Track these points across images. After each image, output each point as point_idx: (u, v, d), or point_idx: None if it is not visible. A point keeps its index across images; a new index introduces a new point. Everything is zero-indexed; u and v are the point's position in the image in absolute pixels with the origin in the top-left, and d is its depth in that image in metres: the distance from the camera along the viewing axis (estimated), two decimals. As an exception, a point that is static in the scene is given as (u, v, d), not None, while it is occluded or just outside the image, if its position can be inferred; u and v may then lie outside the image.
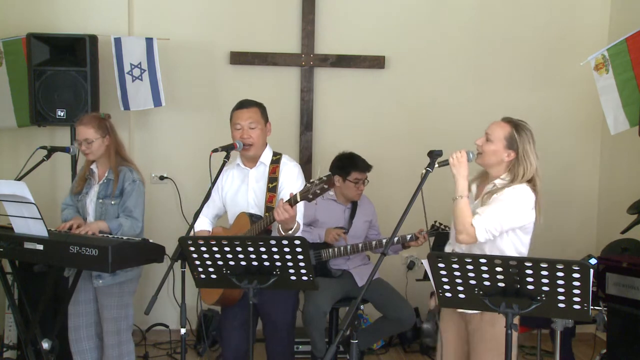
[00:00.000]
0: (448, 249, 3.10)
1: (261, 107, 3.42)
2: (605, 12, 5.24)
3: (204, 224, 3.51)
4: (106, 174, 3.57)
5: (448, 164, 2.85)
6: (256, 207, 3.38)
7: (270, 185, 3.35)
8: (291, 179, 3.36)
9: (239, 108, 3.39)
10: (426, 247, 4.34)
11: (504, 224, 2.80)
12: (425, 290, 4.98)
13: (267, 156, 3.42)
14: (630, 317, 3.65)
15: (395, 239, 4.06)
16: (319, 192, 2.93)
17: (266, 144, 3.45)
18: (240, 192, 3.43)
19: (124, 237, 3.38)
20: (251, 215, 3.31)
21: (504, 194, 2.82)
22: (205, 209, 3.42)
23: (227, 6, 5.11)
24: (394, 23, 5.18)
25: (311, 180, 2.99)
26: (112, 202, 3.52)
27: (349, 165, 4.25)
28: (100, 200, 3.53)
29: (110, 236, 3.38)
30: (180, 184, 5.02)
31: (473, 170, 2.99)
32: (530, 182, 2.87)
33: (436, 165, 2.81)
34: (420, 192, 2.73)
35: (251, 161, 3.42)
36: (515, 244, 2.88)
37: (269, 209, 3.32)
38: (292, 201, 3.00)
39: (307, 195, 2.95)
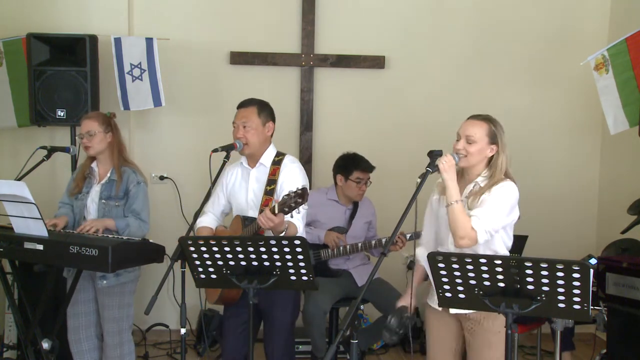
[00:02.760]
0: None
1: (260, 106, 3.36)
2: (605, 12, 5.24)
3: (208, 221, 3.50)
4: (108, 174, 3.55)
5: (438, 170, 2.80)
6: (255, 207, 3.37)
7: (268, 188, 3.32)
8: (290, 180, 3.29)
9: (238, 107, 3.40)
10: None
11: (500, 223, 2.81)
12: (425, 290, 4.99)
13: (268, 157, 3.39)
14: (630, 317, 3.65)
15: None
16: (293, 205, 2.85)
17: (268, 144, 3.41)
18: (241, 190, 3.43)
19: (124, 237, 3.38)
20: (244, 219, 3.30)
21: (494, 193, 2.81)
22: (210, 206, 3.48)
23: (228, 6, 5.11)
24: (394, 23, 5.17)
25: (287, 193, 2.90)
26: (117, 204, 3.51)
27: (351, 164, 4.26)
28: (104, 201, 3.51)
29: (110, 236, 3.37)
30: (180, 184, 5.02)
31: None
32: (506, 174, 2.88)
33: (430, 172, 2.78)
34: (415, 194, 2.71)
35: (252, 161, 3.42)
36: (504, 240, 2.91)
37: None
38: (272, 211, 2.92)
39: (284, 208, 2.87)
